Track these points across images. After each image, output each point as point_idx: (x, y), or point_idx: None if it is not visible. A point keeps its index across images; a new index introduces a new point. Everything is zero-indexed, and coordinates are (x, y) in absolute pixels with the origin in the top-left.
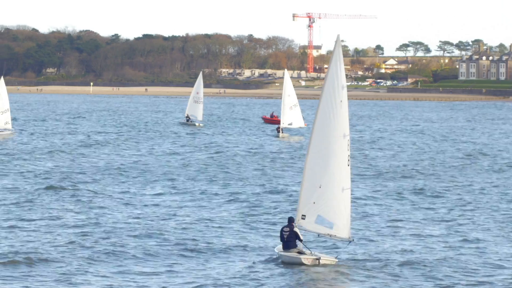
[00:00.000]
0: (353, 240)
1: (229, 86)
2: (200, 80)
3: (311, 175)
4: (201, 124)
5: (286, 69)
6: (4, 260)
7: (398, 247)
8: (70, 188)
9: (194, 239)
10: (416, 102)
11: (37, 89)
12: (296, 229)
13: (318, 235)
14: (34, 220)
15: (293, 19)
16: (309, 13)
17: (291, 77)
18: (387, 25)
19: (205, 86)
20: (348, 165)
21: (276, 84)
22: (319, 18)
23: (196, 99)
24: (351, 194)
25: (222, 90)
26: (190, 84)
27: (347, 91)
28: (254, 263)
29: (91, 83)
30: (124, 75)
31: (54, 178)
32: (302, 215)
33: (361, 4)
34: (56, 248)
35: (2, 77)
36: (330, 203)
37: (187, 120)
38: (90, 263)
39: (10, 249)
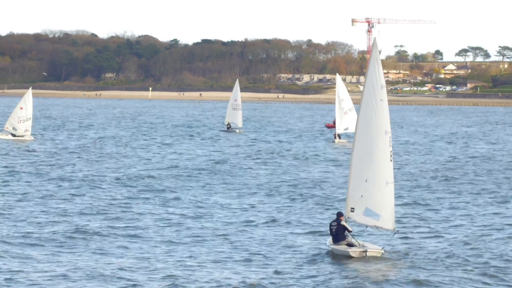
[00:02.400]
0: (397, 231)
1: (288, 91)
2: (237, 87)
3: (357, 170)
4: (241, 131)
5: (337, 74)
6: None
7: (445, 239)
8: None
9: (251, 236)
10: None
11: (96, 94)
12: (343, 223)
13: (366, 227)
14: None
15: (352, 24)
16: (368, 18)
17: (350, 82)
18: (446, 30)
19: (264, 91)
20: (391, 160)
21: (335, 89)
22: (378, 23)
23: (235, 106)
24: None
25: (281, 95)
26: (249, 89)
27: (406, 96)
28: (304, 258)
29: (150, 88)
30: (183, 80)
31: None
32: (351, 208)
33: (420, 9)
34: None
35: (30, 89)
36: (376, 196)
37: (228, 128)
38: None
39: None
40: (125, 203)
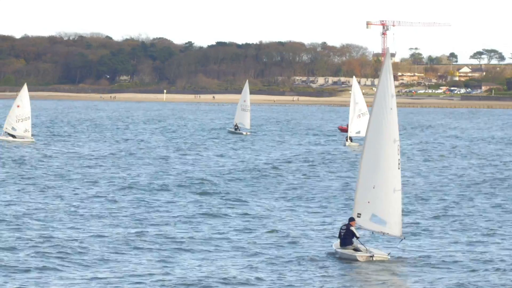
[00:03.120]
0: (404, 238)
1: (302, 94)
2: (246, 89)
3: (365, 176)
4: (248, 133)
5: (354, 76)
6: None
7: (449, 245)
8: None
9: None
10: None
11: (111, 96)
12: (352, 228)
13: (372, 233)
14: None
15: (367, 27)
16: (383, 21)
17: (364, 85)
18: (461, 32)
19: (279, 93)
20: (399, 168)
21: (350, 92)
22: (393, 25)
23: (244, 107)
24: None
25: (295, 98)
26: (264, 92)
27: (420, 98)
28: (312, 259)
29: (165, 91)
30: (197, 83)
31: None
32: (358, 214)
33: (435, 12)
34: None
35: (25, 85)
36: (383, 202)
37: (236, 129)
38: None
39: None
40: (169, 206)
